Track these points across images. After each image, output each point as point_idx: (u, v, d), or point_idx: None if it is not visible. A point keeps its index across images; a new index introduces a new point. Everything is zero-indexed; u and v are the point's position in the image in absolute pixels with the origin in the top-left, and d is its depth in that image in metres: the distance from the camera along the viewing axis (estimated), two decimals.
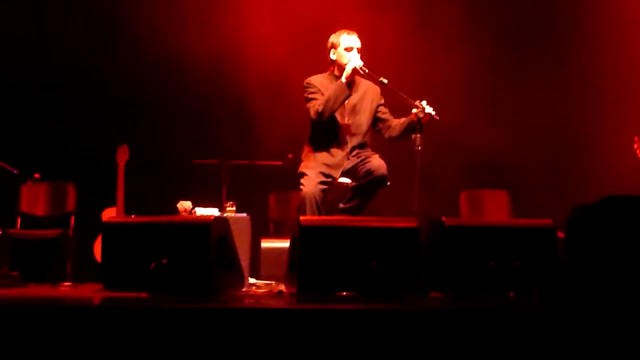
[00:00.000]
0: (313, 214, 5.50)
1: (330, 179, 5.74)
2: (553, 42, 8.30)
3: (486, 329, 3.51)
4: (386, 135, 5.97)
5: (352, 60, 5.75)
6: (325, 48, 5.97)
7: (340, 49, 5.85)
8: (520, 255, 4.79)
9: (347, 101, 5.82)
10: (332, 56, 5.91)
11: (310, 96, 5.85)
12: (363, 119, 5.91)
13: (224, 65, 8.13)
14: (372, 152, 5.85)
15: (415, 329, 3.49)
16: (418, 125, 5.60)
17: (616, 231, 3.79)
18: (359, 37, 5.88)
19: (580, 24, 8.24)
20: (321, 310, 3.62)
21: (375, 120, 5.98)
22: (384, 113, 6.00)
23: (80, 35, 8.14)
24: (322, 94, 5.78)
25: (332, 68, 5.95)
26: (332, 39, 5.91)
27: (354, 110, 5.90)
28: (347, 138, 5.85)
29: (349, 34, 5.87)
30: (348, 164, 5.80)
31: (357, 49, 5.82)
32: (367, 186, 5.71)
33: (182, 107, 8.28)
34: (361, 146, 5.88)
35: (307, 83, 5.91)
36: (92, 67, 8.19)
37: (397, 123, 5.90)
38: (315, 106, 5.73)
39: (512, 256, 4.78)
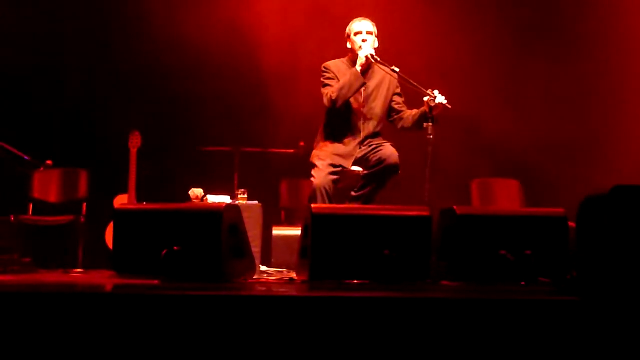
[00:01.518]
0: None
1: (340, 169, 5.74)
2: (568, 31, 8.25)
3: (497, 318, 3.51)
4: (399, 126, 5.97)
5: (364, 49, 5.74)
6: (340, 34, 6.00)
7: (352, 36, 5.87)
8: (532, 244, 4.79)
9: (363, 88, 5.81)
10: (348, 45, 5.94)
11: (326, 82, 5.85)
12: (378, 105, 5.91)
13: (237, 51, 8.12)
14: (384, 141, 5.85)
15: (426, 317, 3.49)
16: (430, 114, 5.58)
17: (626, 221, 3.77)
18: (373, 23, 5.89)
19: (594, 14, 8.19)
20: (332, 298, 3.63)
21: (390, 110, 5.98)
22: (399, 104, 5.99)
23: (93, 21, 8.14)
24: (338, 80, 5.78)
25: (350, 55, 5.95)
26: (347, 28, 5.94)
27: (370, 96, 5.90)
28: (361, 125, 5.86)
29: (359, 20, 5.90)
30: (360, 153, 5.80)
31: (367, 32, 5.82)
32: (378, 174, 5.71)
33: (194, 93, 8.26)
34: (374, 135, 5.88)
35: (324, 68, 5.92)
36: (104, 53, 8.18)
37: (410, 114, 5.89)
38: (329, 94, 5.73)
39: (523, 245, 4.78)
